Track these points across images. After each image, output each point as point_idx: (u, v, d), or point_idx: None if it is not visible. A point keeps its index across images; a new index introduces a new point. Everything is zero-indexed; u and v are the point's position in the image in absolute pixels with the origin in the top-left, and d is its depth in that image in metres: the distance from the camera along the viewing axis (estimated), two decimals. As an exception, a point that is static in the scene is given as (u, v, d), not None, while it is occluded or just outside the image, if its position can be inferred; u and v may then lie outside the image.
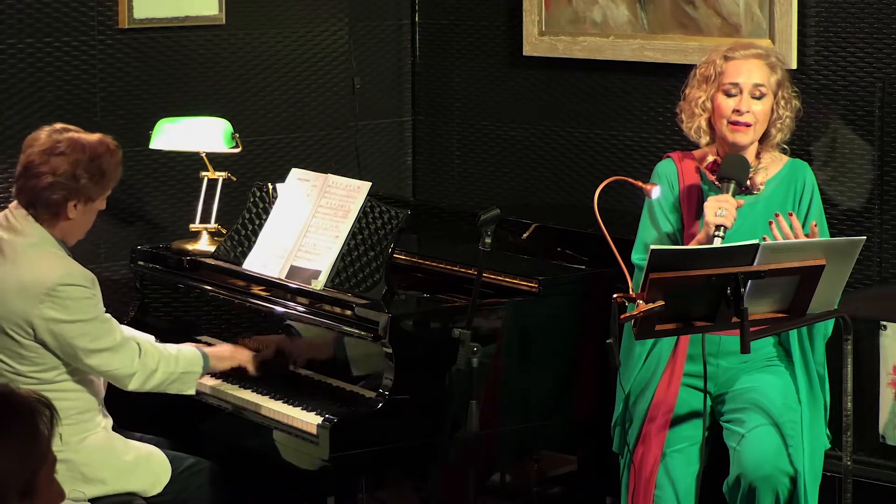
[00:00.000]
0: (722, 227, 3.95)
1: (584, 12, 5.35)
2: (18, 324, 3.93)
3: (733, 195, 4.04)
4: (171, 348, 4.19)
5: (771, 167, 4.24)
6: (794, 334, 4.17)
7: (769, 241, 3.76)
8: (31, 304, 3.91)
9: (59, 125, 4.06)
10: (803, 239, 3.94)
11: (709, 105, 4.22)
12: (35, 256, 3.96)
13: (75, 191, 3.96)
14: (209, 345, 4.66)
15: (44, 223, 3.99)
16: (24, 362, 3.96)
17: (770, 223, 4.01)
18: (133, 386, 4.07)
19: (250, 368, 4.38)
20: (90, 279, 3.98)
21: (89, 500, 4.02)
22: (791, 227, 3.97)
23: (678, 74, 4.42)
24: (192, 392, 4.22)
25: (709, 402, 4.19)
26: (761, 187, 4.19)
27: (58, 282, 3.91)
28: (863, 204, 4.72)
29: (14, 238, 3.99)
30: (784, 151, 4.29)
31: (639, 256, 4.19)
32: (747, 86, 4.17)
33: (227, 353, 4.38)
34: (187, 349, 4.25)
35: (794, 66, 4.77)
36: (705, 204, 4.03)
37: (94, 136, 4.03)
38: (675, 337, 4.13)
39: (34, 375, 3.97)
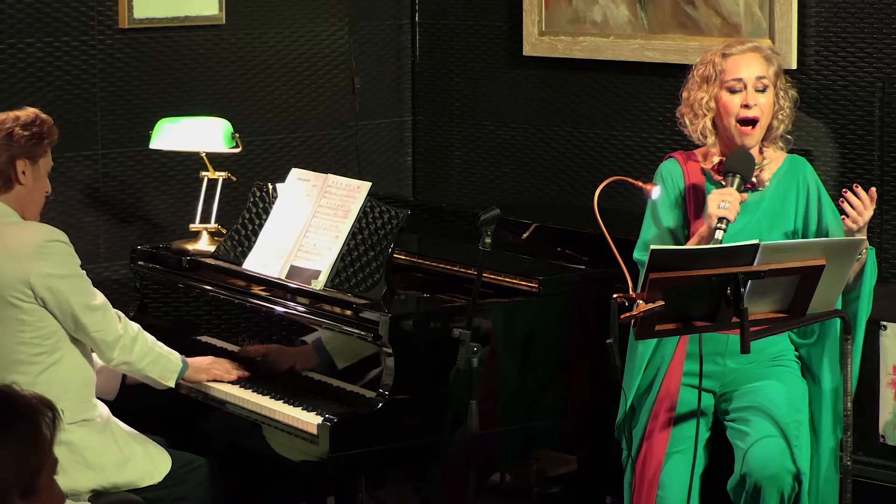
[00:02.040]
0: (724, 220, 3.96)
1: (584, 12, 5.35)
2: (17, 287, 4.00)
3: (737, 189, 4.05)
4: (149, 336, 4.26)
5: (773, 163, 4.25)
6: (832, 339, 4.16)
7: (769, 242, 3.76)
8: (24, 264, 4.00)
9: None
10: (866, 211, 3.97)
11: (713, 105, 4.23)
12: (11, 228, 4.07)
13: (17, 150, 4.08)
14: (208, 345, 4.67)
15: (0, 195, 4.09)
16: (25, 328, 4.02)
17: (841, 201, 4.01)
18: (117, 353, 4.13)
19: (226, 379, 4.40)
20: (66, 237, 4.10)
21: (90, 499, 4.03)
22: (859, 198, 3.99)
23: (678, 74, 4.43)
24: (171, 384, 4.27)
25: (711, 401, 4.19)
26: (767, 183, 4.21)
27: (45, 238, 4.04)
28: (863, 204, 4.71)
29: None
30: (787, 142, 4.30)
31: (640, 253, 4.19)
32: (750, 80, 4.19)
33: (205, 366, 4.41)
34: (163, 346, 4.32)
35: (794, 66, 4.77)
36: (709, 196, 4.04)
37: (28, 109, 4.18)
38: (678, 337, 4.13)
39: (37, 343, 4.03)
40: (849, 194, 4.02)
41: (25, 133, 4.08)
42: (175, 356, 4.29)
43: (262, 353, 4.52)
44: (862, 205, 3.99)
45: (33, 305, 4.01)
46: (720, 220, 3.96)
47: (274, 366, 4.47)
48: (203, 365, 4.40)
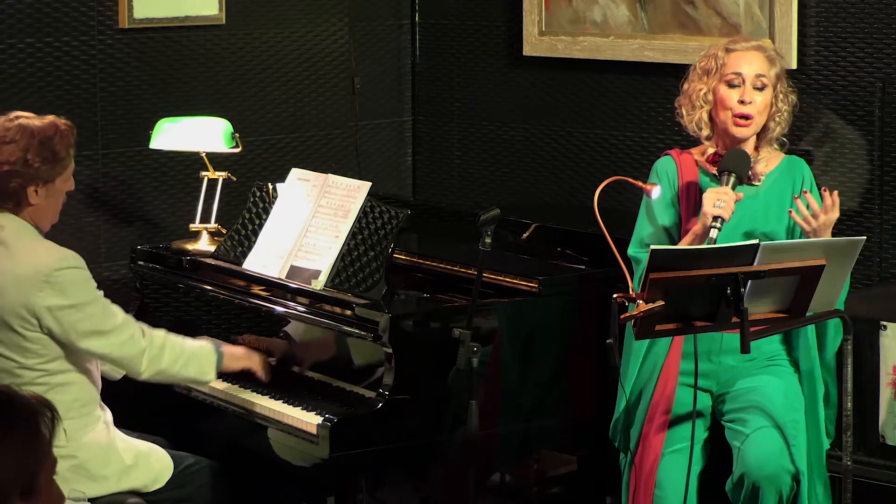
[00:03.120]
0: (719, 219, 3.96)
1: (584, 12, 5.35)
2: (22, 315, 3.93)
3: (733, 188, 4.05)
4: (177, 338, 4.18)
5: (769, 161, 4.25)
6: (801, 337, 4.18)
7: (769, 242, 3.76)
8: (31, 294, 3.91)
9: (13, 113, 4.05)
10: (822, 215, 3.96)
11: (710, 97, 4.24)
12: (24, 246, 3.98)
13: (31, 176, 3.96)
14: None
15: (9, 212, 4.00)
16: (28, 355, 3.96)
17: (790, 212, 4.02)
18: (145, 365, 4.04)
19: (261, 374, 4.36)
20: (81, 260, 4.00)
21: (90, 500, 4.03)
22: (809, 207, 4.00)
23: (678, 74, 4.43)
24: (211, 378, 4.20)
25: (708, 402, 4.19)
26: (762, 178, 4.21)
27: (54, 267, 3.92)
28: (863, 204, 4.72)
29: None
30: (783, 145, 4.30)
31: (635, 250, 4.20)
32: (749, 76, 4.19)
33: (242, 353, 4.37)
34: (196, 341, 4.24)
35: (794, 66, 4.77)
36: (704, 195, 4.04)
37: (46, 120, 4.03)
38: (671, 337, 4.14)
39: (39, 367, 3.97)
40: (798, 202, 4.02)
41: (39, 158, 3.95)
42: (208, 349, 4.20)
43: (280, 350, 4.50)
44: (811, 213, 3.99)
45: (37, 334, 3.94)
46: (715, 218, 3.97)
47: (292, 359, 4.44)
48: (238, 353, 4.34)
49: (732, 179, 4.07)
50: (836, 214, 4.02)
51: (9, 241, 3.99)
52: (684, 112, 4.30)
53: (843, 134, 4.75)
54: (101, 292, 4.04)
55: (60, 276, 3.93)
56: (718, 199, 3.98)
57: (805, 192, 4.07)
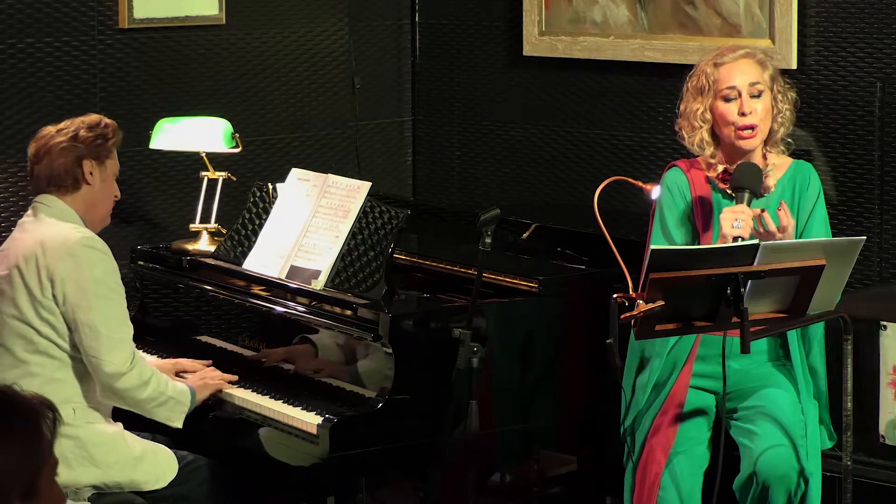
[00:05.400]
0: (740, 238, 3.93)
1: (584, 12, 5.35)
2: (39, 277, 4.00)
3: (748, 205, 4.02)
4: (162, 378, 4.16)
5: (777, 170, 4.24)
6: (793, 337, 4.19)
7: (769, 242, 3.76)
8: (51, 258, 4.00)
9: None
10: (779, 234, 3.96)
11: (709, 116, 4.21)
12: (57, 224, 4.08)
13: (83, 151, 4.12)
14: (209, 345, 4.67)
15: (67, 196, 4.12)
16: (44, 324, 4.02)
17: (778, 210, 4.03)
18: (122, 385, 4.01)
19: (224, 388, 4.35)
20: (109, 251, 4.09)
21: (92, 494, 4.03)
22: (766, 227, 3.99)
23: (678, 74, 4.43)
24: (179, 425, 4.17)
25: (712, 402, 4.19)
26: (772, 189, 4.19)
27: (79, 242, 4.03)
28: (863, 204, 4.72)
29: (39, 214, 4.12)
30: (788, 145, 4.29)
31: None
32: (744, 87, 4.18)
33: (200, 384, 4.30)
34: (176, 382, 4.24)
35: (794, 66, 4.77)
36: (721, 216, 4.01)
37: (91, 115, 4.25)
38: (693, 338, 4.13)
39: (53, 339, 4.03)
40: (757, 220, 4.01)
41: (90, 134, 4.13)
42: (184, 396, 4.17)
43: (285, 356, 4.48)
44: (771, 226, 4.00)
45: (50, 302, 4.01)
46: (735, 238, 3.94)
47: (300, 368, 4.43)
48: (199, 384, 4.30)
49: (747, 196, 4.04)
50: (791, 223, 4.01)
51: (45, 216, 4.10)
52: (685, 134, 4.28)
53: (843, 134, 4.76)
54: (122, 295, 4.08)
55: (83, 251, 4.02)
56: (736, 219, 3.96)
57: (763, 211, 4.03)
